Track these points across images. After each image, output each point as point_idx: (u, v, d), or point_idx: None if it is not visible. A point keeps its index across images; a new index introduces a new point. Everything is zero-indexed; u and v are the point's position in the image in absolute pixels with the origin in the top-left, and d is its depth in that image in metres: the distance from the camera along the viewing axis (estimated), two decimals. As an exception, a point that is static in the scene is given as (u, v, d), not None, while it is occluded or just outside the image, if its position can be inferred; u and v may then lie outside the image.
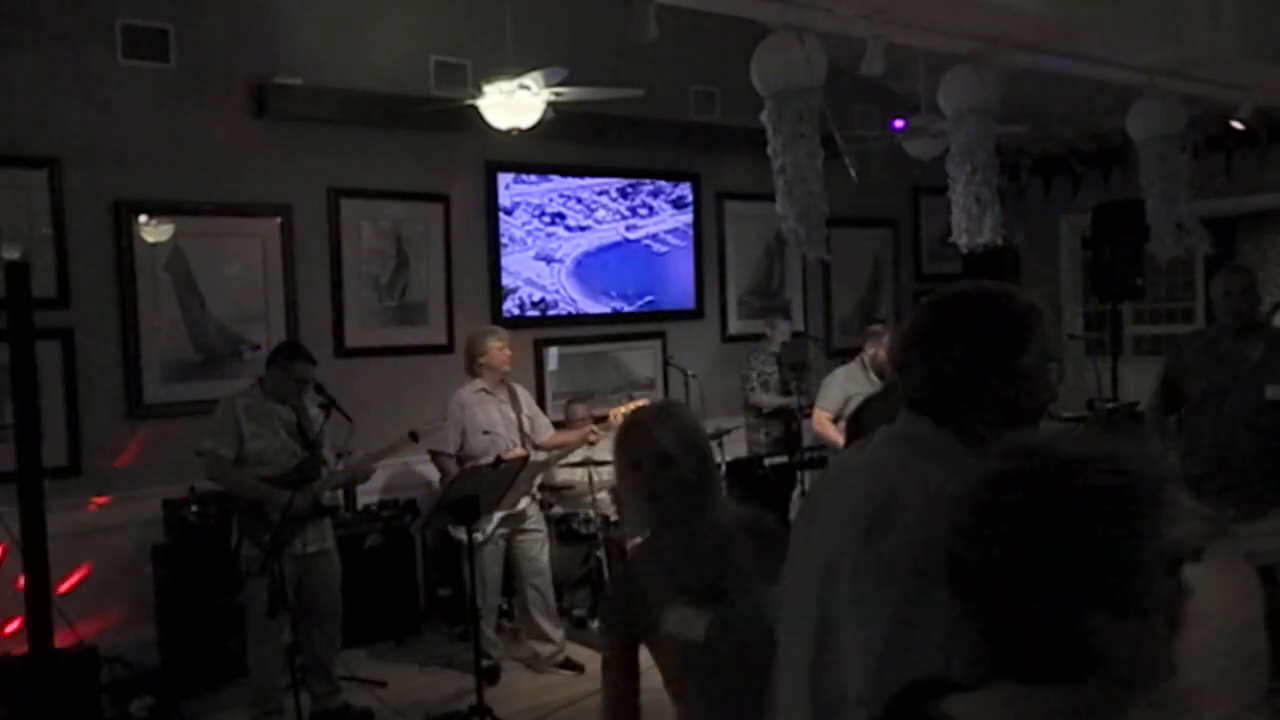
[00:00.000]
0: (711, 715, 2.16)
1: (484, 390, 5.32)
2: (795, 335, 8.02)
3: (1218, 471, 4.34)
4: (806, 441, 6.94)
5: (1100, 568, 1.05)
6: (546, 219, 7.05)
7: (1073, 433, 1.25)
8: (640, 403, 5.65)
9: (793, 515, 7.09)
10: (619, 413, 5.55)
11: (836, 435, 6.15)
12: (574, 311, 7.19)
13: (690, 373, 5.84)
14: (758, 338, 7.43)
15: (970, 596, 1.12)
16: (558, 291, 7.13)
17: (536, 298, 7.03)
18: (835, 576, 1.53)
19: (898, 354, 1.69)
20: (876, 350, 6.16)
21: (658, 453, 2.13)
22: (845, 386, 6.23)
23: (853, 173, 4.46)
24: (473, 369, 5.37)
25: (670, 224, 7.69)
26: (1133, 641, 1.06)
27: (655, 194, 7.60)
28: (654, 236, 7.62)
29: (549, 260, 7.08)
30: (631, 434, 2.20)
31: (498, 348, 5.31)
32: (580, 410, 6.20)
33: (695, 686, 2.16)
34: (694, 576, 2.15)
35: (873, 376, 6.17)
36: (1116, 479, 1.07)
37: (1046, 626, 1.06)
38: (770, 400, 7.20)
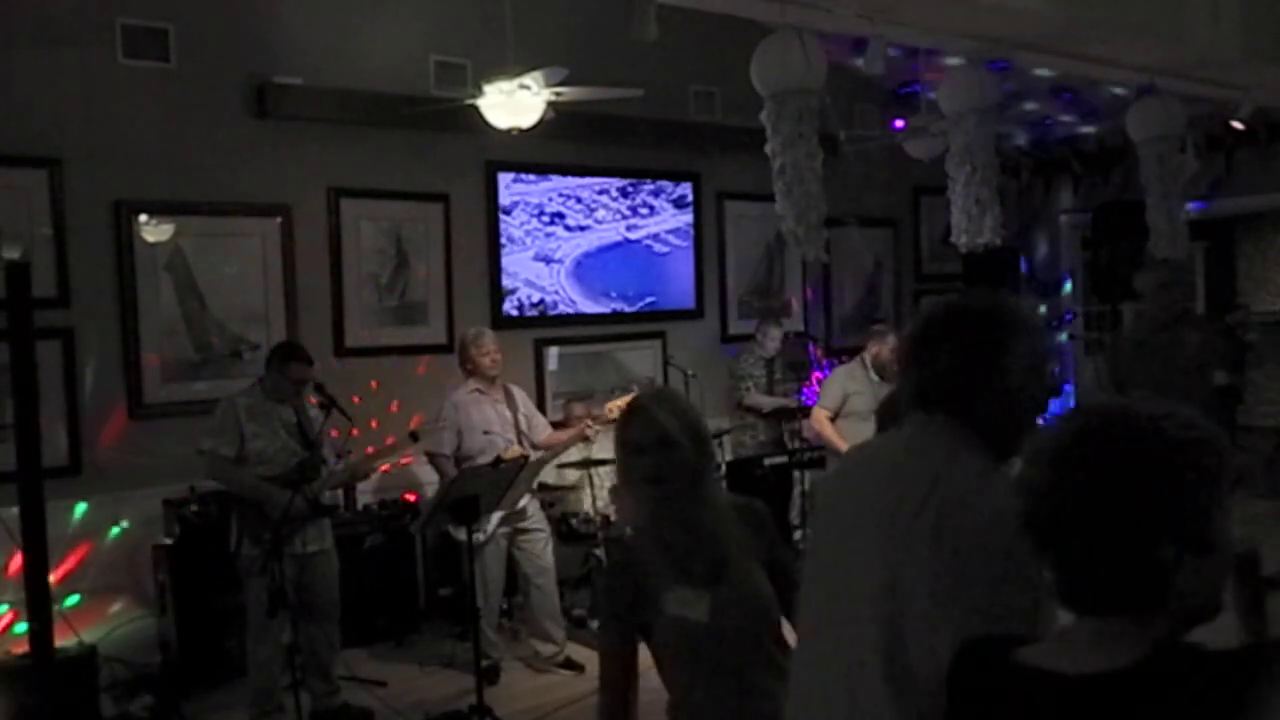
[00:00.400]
0: (709, 695, 2.18)
1: (478, 391, 5.32)
2: (795, 335, 8.02)
3: None
4: (813, 441, 6.94)
5: (1180, 510, 1.19)
6: (545, 219, 7.03)
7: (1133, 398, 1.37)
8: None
9: (792, 515, 7.12)
10: (614, 407, 5.54)
11: (833, 434, 6.16)
12: (574, 312, 7.19)
13: (690, 373, 5.85)
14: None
15: (1052, 541, 1.25)
16: (557, 293, 7.11)
17: (535, 299, 7.00)
18: (907, 570, 1.60)
19: (900, 361, 1.82)
20: (879, 350, 6.16)
21: (660, 436, 2.16)
22: (845, 385, 6.23)
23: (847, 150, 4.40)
24: (465, 371, 5.39)
25: (672, 224, 7.67)
26: (1200, 576, 1.20)
27: (656, 193, 7.59)
28: (655, 237, 7.60)
29: (548, 261, 7.06)
30: (634, 419, 2.22)
31: (481, 353, 5.30)
32: (579, 409, 6.20)
33: (695, 668, 2.18)
34: (695, 559, 2.19)
35: (873, 376, 6.16)
36: (1192, 432, 1.22)
37: (1127, 563, 1.20)
38: (770, 401, 7.20)
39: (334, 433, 4.96)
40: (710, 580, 2.17)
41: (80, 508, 5.30)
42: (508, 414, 5.35)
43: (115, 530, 5.41)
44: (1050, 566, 1.26)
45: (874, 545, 1.65)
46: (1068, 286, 9.20)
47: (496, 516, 5.07)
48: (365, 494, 6.06)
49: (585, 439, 5.67)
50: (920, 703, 1.54)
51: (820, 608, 1.79)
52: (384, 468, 6.02)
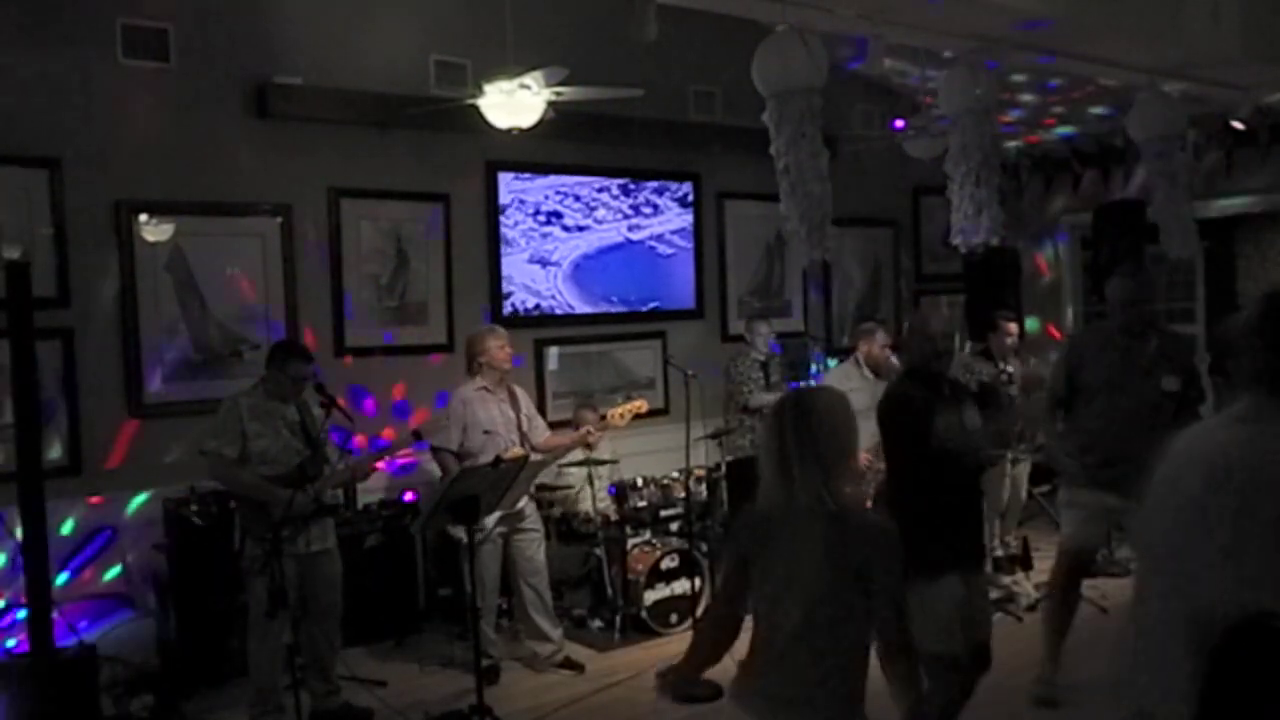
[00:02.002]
0: None
1: (485, 389, 5.32)
2: (795, 335, 8.02)
3: (1115, 460, 4.46)
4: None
5: None
6: (541, 218, 6.97)
7: None
8: (637, 404, 5.65)
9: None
10: (617, 414, 5.54)
11: None
12: (574, 312, 7.16)
13: (690, 373, 5.86)
14: (758, 338, 7.41)
15: None
16: (553, 298, 7.03)
17: (531, 304, 6.92)
18: (1191, 523, 1.83)
19: (1235, 341, 1.98)
20: (870, 348, 6.16)
21: None
22: (839, 384, 6.25)
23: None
24: (472, 367, 5.39)
25: (677, 224, 7.62)
26: None
27: (660, 191, 7.55)
28: (659, 238, 7.55)
29: (544, 264, 6.99)
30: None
31: (497, 346, 5.31)
32: (590, 416, 6.17)
33: None
34: None
35: (867, 374, 6.18)
36: None
37: None
38: (771, 399, 7.18)
39: (351, 436, 4.95)
40: None
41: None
42: (511, 414, 5.35)
43: (115, 531, 5.40)
44: None
45: (1194, 506, 1.85)
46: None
47: (494, 516, 5.07)
48: (378, 492, 6.08)
49: (587, 445, 5.66)
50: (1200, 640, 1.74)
51: (1149, 549, 2.03)
52: (392, 460, 5.99)
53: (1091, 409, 4.62)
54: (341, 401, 4.66)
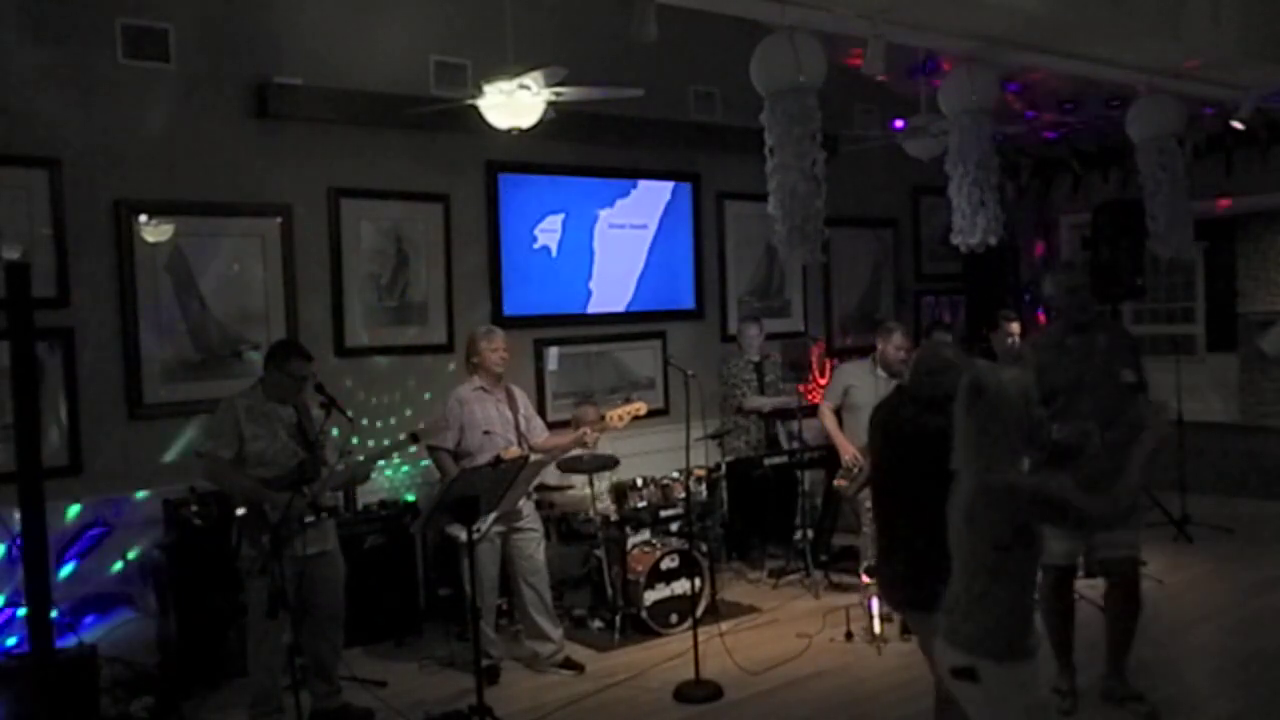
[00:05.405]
0: None
1: (482, 389, 5.33)
2: (794, 335, 8.03)
3: (1079, 461, 4.37)
4: (812, 441, 6.93)
5: None
6: (541, 218, 7.00)
7: None
8: (635, 406, 5.65)
9: (796, 519, 7.17)
10: (615, 416, 5.54)
11: (834, 426, 6.25)
12: (573, 312, 7.17)
13: (690, 373, 5.87)
14: (757, 338, 7.42)
15: None
16: (552, 298, 7.03)
17: (530, 304, 6.91)
18: None
19: None
20: (885, 347, 6.17)
21: None
22: (847, 379, 6.32)
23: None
24: (469, 368, 5.40)
25: (674, 224, 7.65)
26: None
27: (659, 192, 7.57)
28: (659, 238, 7.58)
29: (543, 264, 7.00)
30: None
31: (491, 348, 5.31)
32: (590, 413, 6.18)
33: None
34: None
35: (880, 372, 6.18)
36: None
37: None
38: (771, 401, 7.19)
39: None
40: None
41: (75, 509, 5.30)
42: (509, 414, 5.35)
43: (115, 531, 5.39)
44: None
45: None
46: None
47: (492, 515, 5.06)
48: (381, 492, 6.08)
49: (584, 444, 5.66)
50: None
51: None
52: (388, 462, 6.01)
53: (1057, 413, 4.49)
54: (340, 403, 4.66)
